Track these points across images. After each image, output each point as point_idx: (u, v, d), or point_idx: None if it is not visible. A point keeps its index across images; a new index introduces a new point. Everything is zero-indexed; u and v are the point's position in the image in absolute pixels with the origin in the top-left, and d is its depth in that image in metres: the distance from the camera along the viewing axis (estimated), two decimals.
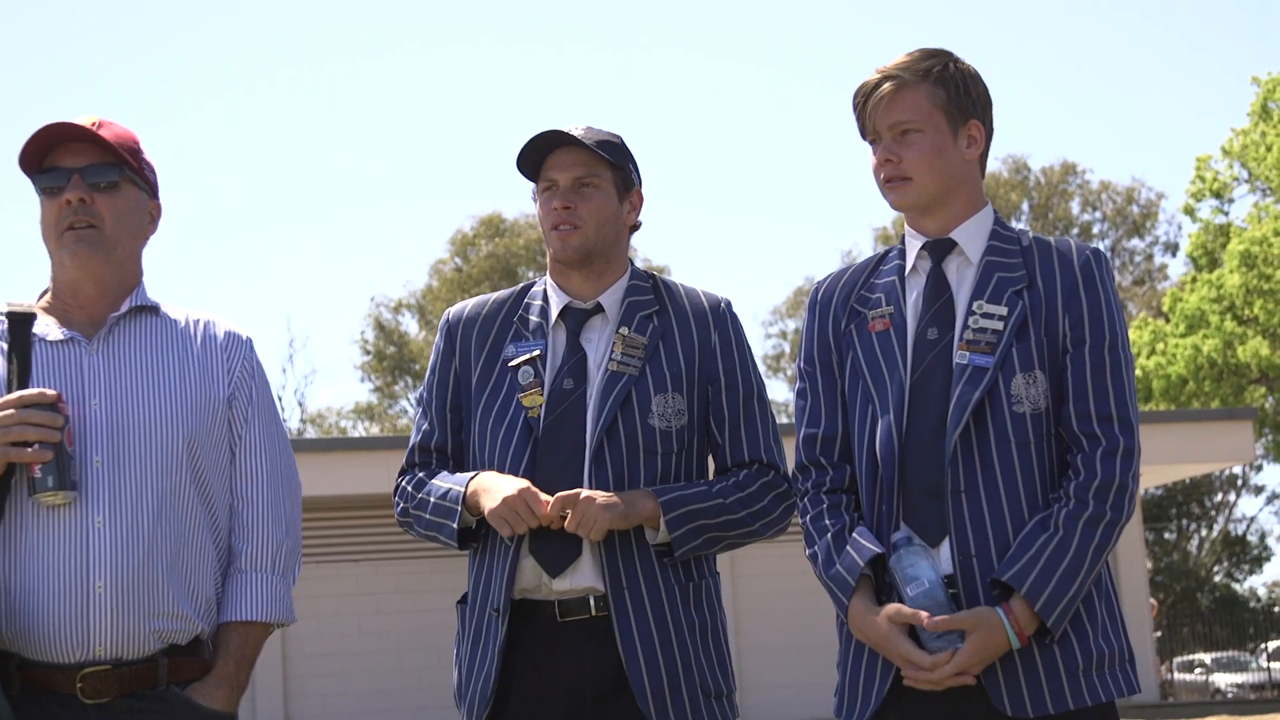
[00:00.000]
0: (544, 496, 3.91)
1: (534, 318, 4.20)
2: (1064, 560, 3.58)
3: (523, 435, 4.06)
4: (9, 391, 3.56)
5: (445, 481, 4.10)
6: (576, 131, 4.13)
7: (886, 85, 3.76)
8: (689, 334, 4.15)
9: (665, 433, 4.07)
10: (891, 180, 3.80)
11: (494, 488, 3.96)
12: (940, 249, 3.83)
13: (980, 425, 3.68)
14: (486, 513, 3.96)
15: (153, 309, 3.79)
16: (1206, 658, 30.98)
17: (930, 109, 3.76)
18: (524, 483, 3.94)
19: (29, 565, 3.51)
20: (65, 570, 3.51)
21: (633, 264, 4.27)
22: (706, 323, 4.17)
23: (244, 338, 3.91)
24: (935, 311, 3.78)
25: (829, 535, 3.78)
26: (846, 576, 3.72)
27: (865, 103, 3.81)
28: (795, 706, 20.90)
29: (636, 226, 4.28)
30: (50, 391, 3.54)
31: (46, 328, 3.67)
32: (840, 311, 3.90)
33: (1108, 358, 3.71)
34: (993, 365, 3.68)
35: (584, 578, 3.99)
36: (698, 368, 4.13)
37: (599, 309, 4.17)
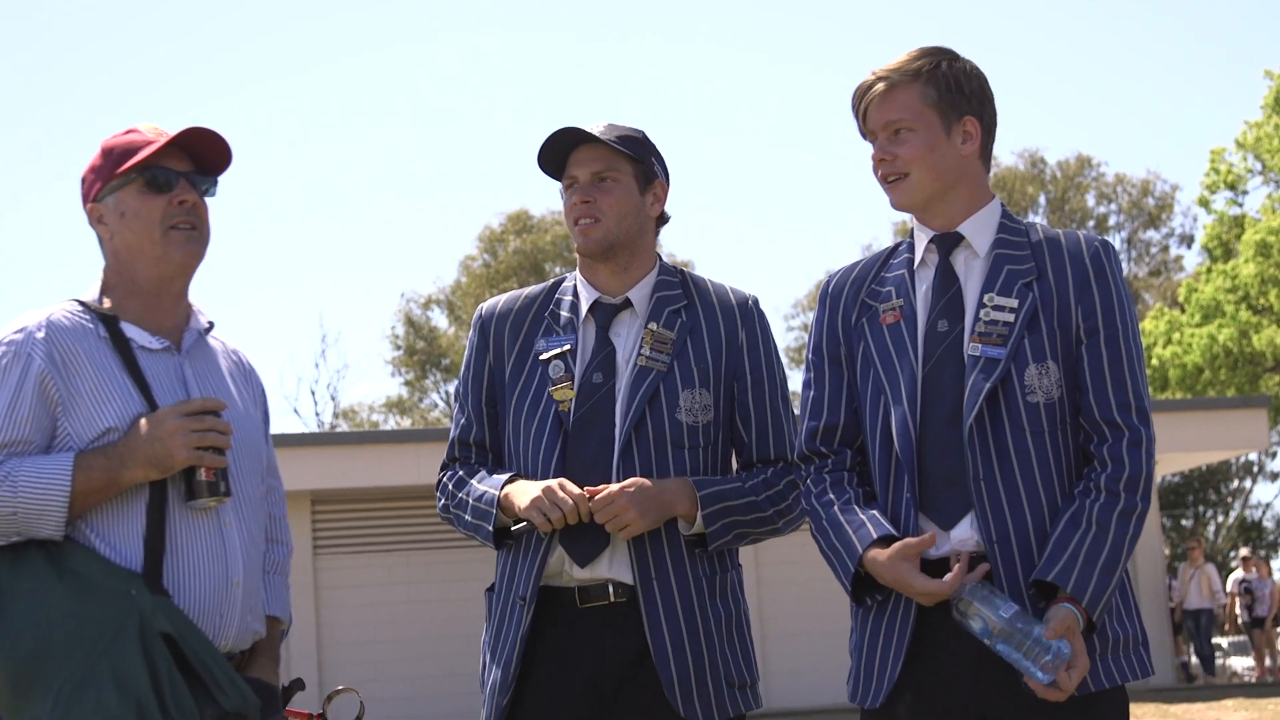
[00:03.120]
0: (576, 489, 3.94)
1: (564, 313, 4.21)
2: (1102, 555, 3.60)
3: (554, 429, 4.08)
4: (138, 393, 3.63)
5: (482, 484, 4.13)
6: (595, 129, 4.13)
7: (879, 86, 3.80)
8: (717, 330, 4.15)
9: (692, 428, 4.08)
10: (889, 177, 3.82)
11: (528, 489, 4.00)
12: (948, 242, 3.84)
13: (995, 414, 3.68)
14: (520, 511, 3.98)
15: (210, 329, 3.90)
16: (1223, 642, 30.86)
17: (921, 107, 3.78)
18: (550, 481, 3.97)
19: (184, 562, 3.61)
20: (213, 567, 3.64)
21: (661, 260, 4.27)
22: (734, 319, 4.18)
23: (254, 367, 4.06)
24: (945, 303, 3.79)
25: (835, 507, 3.79)
26: (856, 543, 3.71)
27: (861, 103, 3.84)
28: (817, 692, 20.89)
29: (664, 219, 4.28)
30: (221, 402, 3.66)
31: (136, 335, 3.71)
32: (851, 305, 3.91)
33: (1122, 348, 3.71)
34: (1005, 356, 3.68)
35: (605, 569, 4.00)
36: (725, 364, 4.14)
37: (628, 304, 4.18)
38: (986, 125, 3.85)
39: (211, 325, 3.89)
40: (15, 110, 65.75)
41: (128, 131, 3.80)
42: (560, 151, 4.18)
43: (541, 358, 4.15)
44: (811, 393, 3.94)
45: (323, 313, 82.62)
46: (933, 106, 3.78)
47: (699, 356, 4.11)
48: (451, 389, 50.31)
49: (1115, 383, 3.70)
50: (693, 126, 69.19)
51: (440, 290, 50.77)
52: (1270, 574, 25.32)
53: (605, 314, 4.17)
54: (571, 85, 70.35)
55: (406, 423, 50.67)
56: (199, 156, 3.79)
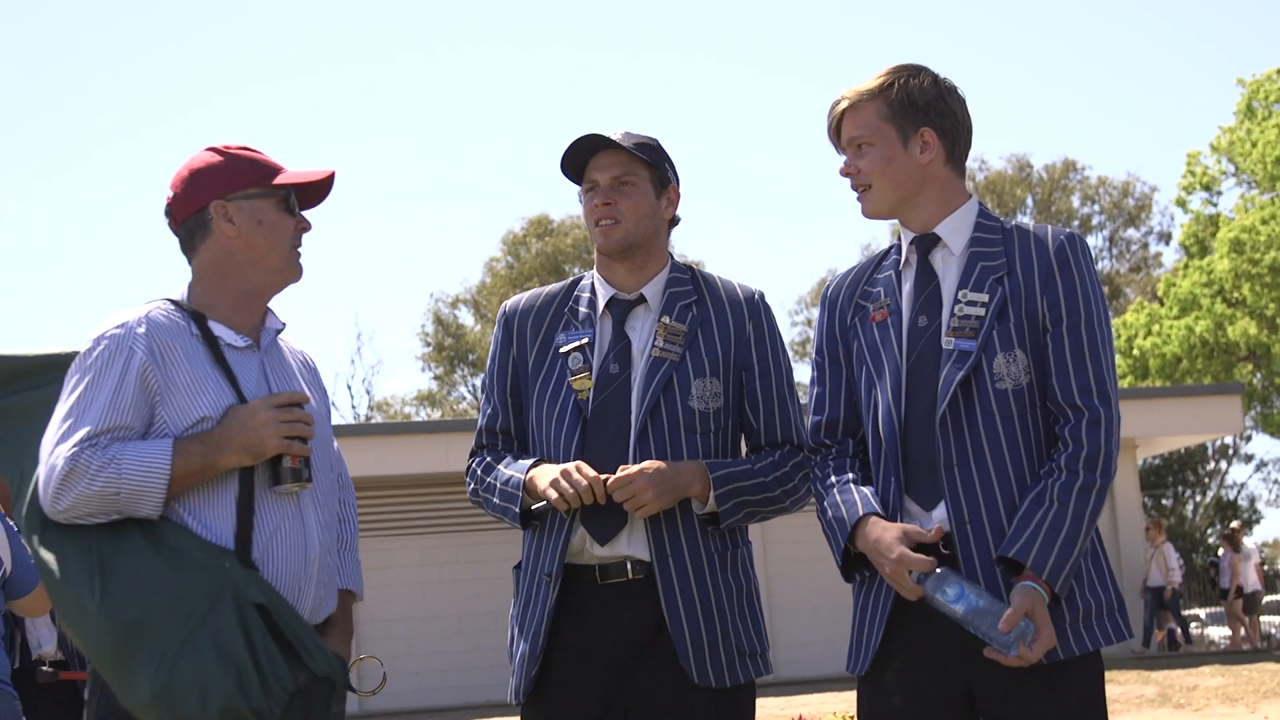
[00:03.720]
0: (591, 472, 3.97)
1: (583, 308, 4.24)
2: (1062, 530, 3.61)
3: (573, 416, 4.11)
4: (229, 386, 3.71)
5: (508, 469, 4.16)
6: (615, 135, 4.17)
7: (843, 104, 3.90)
8: (726, 323, 4.18)
9: (704, 414, 4.11)
10: (856, 189, 3.90)
11: (549, 472, 4.04)
12: (925, 243, 3.89)
13: (968, 402, 3.72)
14: (541, 491, 4.02)
15: (282, 330, 3.98)
16: (1201, 613, 30.82)
17: (879, 123, 3.84)
18: (568, 465, 4.01)
19: (270, 540, 3.69)
20: (294, 545, 3.72)
21: (672, 258, 4.30)
22: (742, 313, 4.20)
23: (318, 367, 4.15)
24: (924, 300, 3.84)
25: (835, 489, 3.86)
26: (845, 514, 3.79)
27: (831, 122, 3.94)
28: (823, 663, 20.90)
29: (675, 221, 4.31)
30: (305, 395, 3.76)
31: (222, 332, 3.79)
32: (846, 307, 3.98)
33: (1084, 335, 3.73)
34: (975, 348, 3.72)
35: (623, 546, 4.03)
36: (734, 354, 4.16)
37: (642, 299, 4.21)
38: (947, 134, 3.87)
39: (284, 326, 3.96)
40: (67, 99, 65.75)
41: (246, 148, 3.87)
42: (581, 157, 4.21)
43: (561, 350, 4.18)
44: (815, 389, 4.02)
45: (358, 313, 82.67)
46: (888, 121, 3.84)
47: (709, 347, 4.14)
48: (478, 383, 50.26)
49: (1077, 368, 3.72)
50: (705, 138, 69.18)
51: (467, 290, 50.77)
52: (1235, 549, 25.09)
53: (621, 309, 4.20)
54: (587, 95, 70.36)
55: (436, 414, 50.68)
56: (302, 190, 3.90)
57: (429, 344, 50.83)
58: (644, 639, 4.01)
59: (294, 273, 3.87)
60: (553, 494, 3.97)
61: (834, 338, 3.99)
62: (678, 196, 4.27)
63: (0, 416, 3.86)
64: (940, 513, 3.72)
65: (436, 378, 51.67)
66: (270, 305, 3.93)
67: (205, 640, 3.48)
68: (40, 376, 3.82)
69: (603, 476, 3.97)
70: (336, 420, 45.88)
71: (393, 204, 69.53)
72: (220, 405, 3.68)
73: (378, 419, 49.34)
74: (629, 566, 4.02)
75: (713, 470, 4.03)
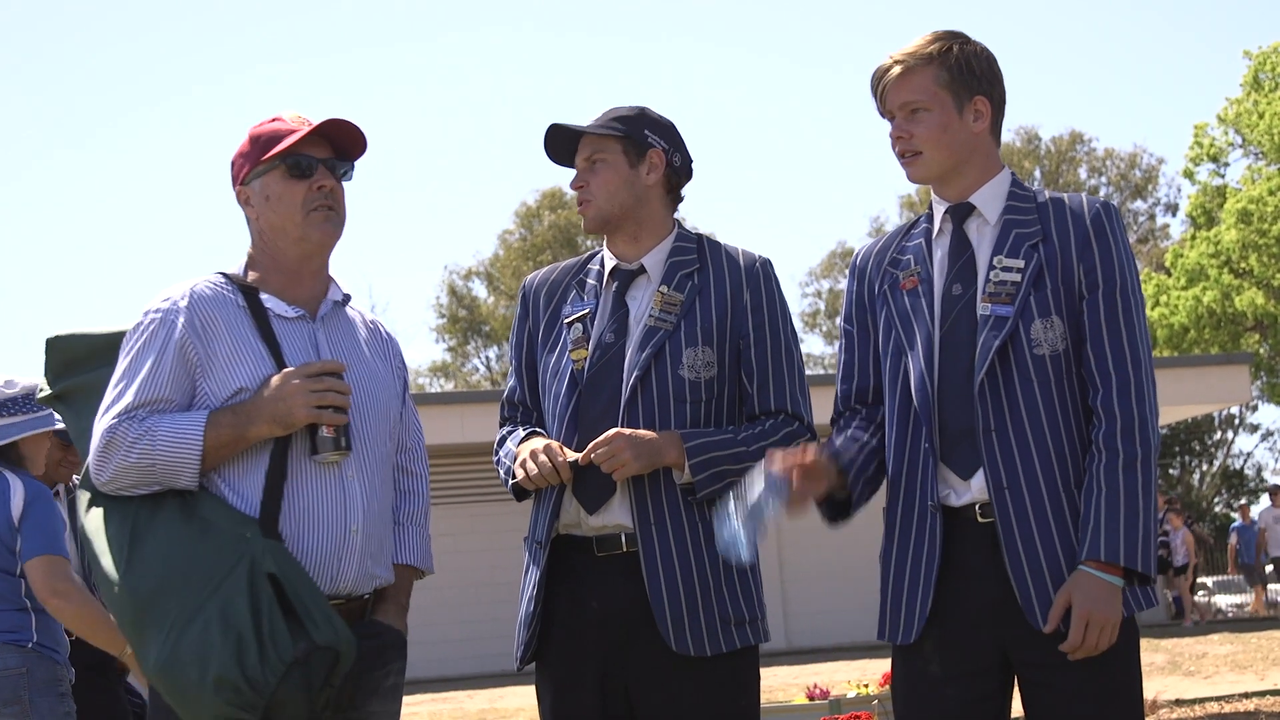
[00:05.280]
0: (569, 453, 3.99)
1: (590, 280, 4.25)
2: (1121, 511, 3.58)
3: (570, 386, 4.12)
4: (269, 357, 3.69)
5: (512, 442, 4.19)
6: (583, 121, 4.21)
7: (896, 69, 3.80)
8: (724, 291, 4.15)
9: (694, 383, 4.07)
10: (905, 155, 3.83)
11: (531, 446, 4.06)
12: (960, 212, 3.84)
13: (1005, 368, 3.69)
14: (515, 468, 4.06)
15: (347, 301, 3.94)
16: (1209, 581, 30.79)
17: (935, 89, 3.78)
18: (550, 441, 4.04)
19: (304, 509, 3.66)
20: (332, 515, 3.69)
21: (680, 226, 4.27)
22: (740, 280, 4.16)
23: (395, 337, 4.10)
24: (959, 269, 3.79)
25: (833, 438, 3.91)
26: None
27: (879, 84, 3.84)
28: (836, 632, 20.92)
29: (677, 183, 4.27)
30: (342, 364, 3.70)
31: (274, 304, 3.77)
32: (875, 275, 3.94)
33: (1119, 301, 3.70)
34: (1013, 314, 3.68)
35: (615, 515, 4.03)
36: (730, 323, 4.12)
37: (643, 269, 4.20)
38: (996, 103, 3.84)
39: (348, 297, 3.93)
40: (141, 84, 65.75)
41: (273, 120, 3.85)
42: (569, 147, 4.25)
43: (565, 321, 4.20)
44: (843, 357, 4.01)
45: (372, 285, 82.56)
46: (945, 87, 3.78)
47: (705, 316, 4.11)
48: (492, 354, 50.38)
49: (1111, 334, 3.68)
50: (720, 114, 69.02)
51: (480, 263, 50.79)
52: (1181, 525, 24.93)
53: (623, 279, 4.20)
54: (601, 70, 70.23)
55: (450, 386, 50.73)
56: (337, 143, 3.85)
57: (443, 316, 50.87)
58: (634, 609, 4.00)
59: (318, 235, 3.81)
60: (519, 473, 4.02)
61: (863, 305, 3.96)
62: (662, 160, 4.21)
63: (78, 392, 3.96)
64: (979, 480, 3.68)
65: (450, 349, 51.73)
66: (334, 276, 3.91)
67: (213, 610, 3.48)
68: (113, 353, 3.83)
69: (573, 457, 3.98)
70: None
71: (406, 177, 69.53)
72: (259, 376, 3.66)
73: None
74: (623, 539, 4.02)
75: (687, 440, 4.01)
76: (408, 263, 69.62)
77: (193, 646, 3.46)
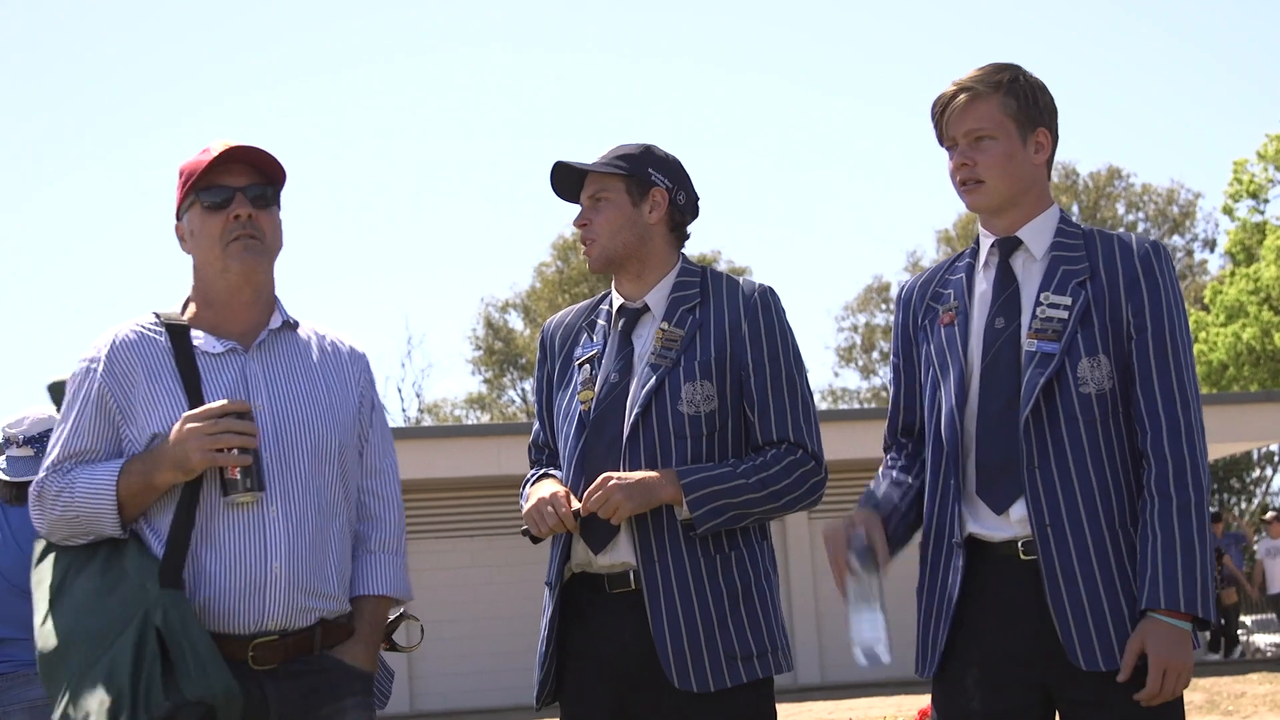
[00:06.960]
0: (574, 501, 4.00)
1: (600, 320, 4.26)
2: (1177, 558, 3.55)
3: (578, 427, 4.12)
4: (185, 399, 3.63)
5: (529, 485, 4.21)
6: (587, 160, 4.22)
7: (962, 96, 3.77)
8: (723, 323, 4.11)
9: (694, 418, 4.04)
10: (966, 183, 3.79)
11: (534, 493, 4.07)
12: (1007, 246, 3.81)
13: (1050, 406, 3.65)
14: (523, 514, 4.08)
15: (294, 325, 3.85)
16: (1247, 620, 30.55)
17: (1002, 118, 3.74)
18: (557, 488, 4.04)
19: (217, 549, 3.59)
20: (249, 553, 3.60)
21: (684, 261, 4.26)
22: (739, 311, 4.12)
23: (361, 353, 3.98)
24: (1003, 302, 3.76)
25: (876, 481, 3.93)
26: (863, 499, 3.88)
27: (943, 112, 3.81)
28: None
29: (682, 221, 4.25)
30: (246, 404, 3.61)
31: (202, 341, 3.71)
32: (919, 308, 3.93)
33: (1168, 343, 3.66)
34: (1059, 351, 3.65)
35: (622, 553, 4.03)
36: (730, 355, 4.08)
37: (647, 308, 4.19)
38: (1055, 136, 3.83)
39: (292, 323, 3.83)
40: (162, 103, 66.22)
41: (201, 151, 3.77)
42: (575, 184, 4.26)
43: (576, 363, 4.22)
44: (892, 390, 4.01)
45: (409, 316, 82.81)
46: (1012, 117, 3.75)
47: (704, 350, 4.08)
48: (528, 386, 50.46)
49: (1161, 377, 3.65)
50: (757, 147, 69.14)
51: (517, 295, 50.87)
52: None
53: (629, 318, 4.20)
54: (638, 102, 70.40)
55: (486, 418, 50.81)
56: (263, 167, 3.76)
57: (479, 348, 50.97)
58: (647, 646, 3.99)
59: (238, 266, 3.70)
60: (528, 524, 4.05)
61: (908, 338, 3.95)
62: (665, 199, 4.19)
63: None
64: (1018, 512, 3.65)
65: (486, 381, 51.81)
66: (279, 300, 3.83)
67: (102, 668, 3.44)
68: None
69: (576, 506, 3.98)
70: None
71: (444, 209, 69.78)
72: (171, 420, 3.60)
73: (428, 422, 49.48)
74: (631, 577, 4.02)
75: (683, 477, 3.98)
76: (445, 294, 69.83)
77: (83, 704, 3.43)
